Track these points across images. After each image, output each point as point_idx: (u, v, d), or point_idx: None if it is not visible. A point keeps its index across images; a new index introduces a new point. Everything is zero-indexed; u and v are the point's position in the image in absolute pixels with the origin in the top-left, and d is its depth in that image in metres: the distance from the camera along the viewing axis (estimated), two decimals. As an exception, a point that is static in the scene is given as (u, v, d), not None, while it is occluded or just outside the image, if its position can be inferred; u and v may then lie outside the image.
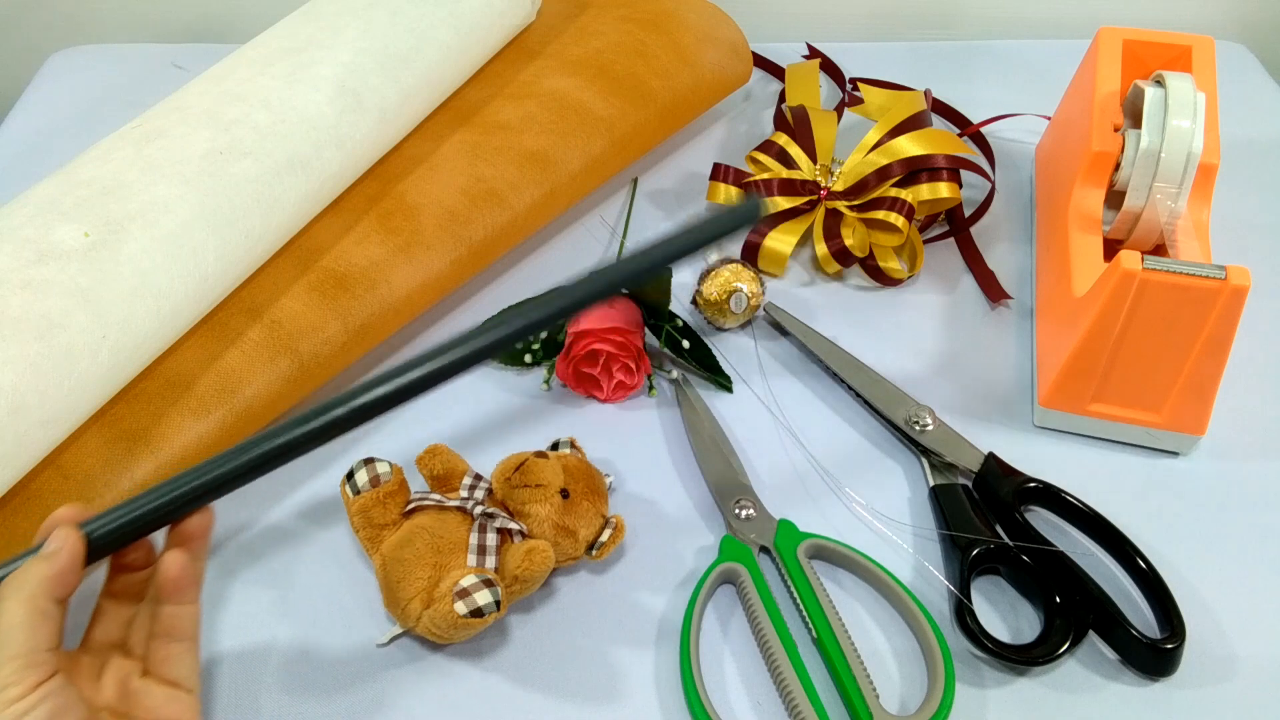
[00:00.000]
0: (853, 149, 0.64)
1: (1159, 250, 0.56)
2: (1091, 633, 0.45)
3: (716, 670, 0.44)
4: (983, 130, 0.71)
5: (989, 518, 0.49)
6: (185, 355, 0.49)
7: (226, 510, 0.51)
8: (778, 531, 0.48)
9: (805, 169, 0.64)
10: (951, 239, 0.65)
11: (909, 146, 0.61)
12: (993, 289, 0.61)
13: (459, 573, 0.43)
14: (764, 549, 0.48)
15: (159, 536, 0.38)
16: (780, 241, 0.61)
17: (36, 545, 0.35)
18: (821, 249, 0.60)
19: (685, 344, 0.56)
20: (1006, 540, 0.47)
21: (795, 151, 0.64)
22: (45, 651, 0.32)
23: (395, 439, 0.54)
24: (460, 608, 0.41)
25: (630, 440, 0.54)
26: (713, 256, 0.61)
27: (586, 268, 0.44)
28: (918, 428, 0.52)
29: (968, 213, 0.65)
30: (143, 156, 0.49)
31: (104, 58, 0.80)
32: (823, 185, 0.62)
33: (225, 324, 0.50)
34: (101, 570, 0.39)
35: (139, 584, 0.39)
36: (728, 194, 0.64)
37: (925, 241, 0.64)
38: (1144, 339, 0.48)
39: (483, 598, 0.42)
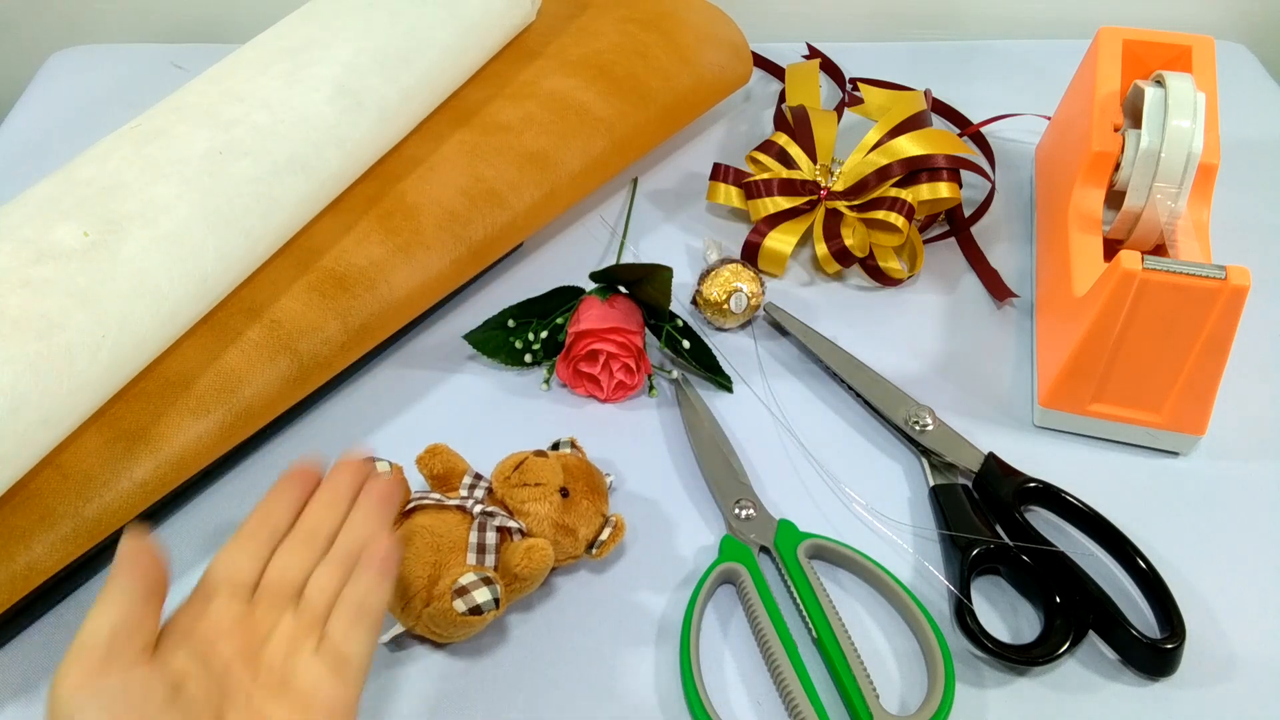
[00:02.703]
0: (853, 149, 0.64)
1: (1159, 250, 0.56)
2: (1091, 633, 0.45)
3: (716, 670, 0.44)
4: (983, 130, 0.71)
5: (989, 518, 0.48)
6: (185, 355, 0.49)
7: (228, 511, 0.51)
8: (778, 531, 0.48)
9: (805, 169, 0.64)
10: (952, 239, 0.65)
11: (909, 146, 0.61)
12: (997, 288, 0.60)
13: (458, 571, 0.43)
14: (764, 549, 0.48)
15: None
16: (780, 241, 0.61)
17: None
18: (821, 249, 0.60)
19: (685, 344, 0.56)
20: (1006, 540, 0.47)
21: (795, 151, 0.64)
22: (119, 648, 0.33)
23: (395, 439, 0.54)
24: (459, 606, 0.41)
25: (630, 440, 0.54)
26: (713, 256, 0.61)
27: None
28: (918, 428, 0.52)
29: (968, 213, 0.65)
30: (142, 156, 0.49)
31: (104, 58, 0.80)
32: (823, 185, 0.62)
33: (225, 324, 0.50)
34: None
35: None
36: (727, 194, 0.65)
37: (925, 241, 0.64)
38: (1144, 339, 0.48)
39: (481, 595, 0.42)
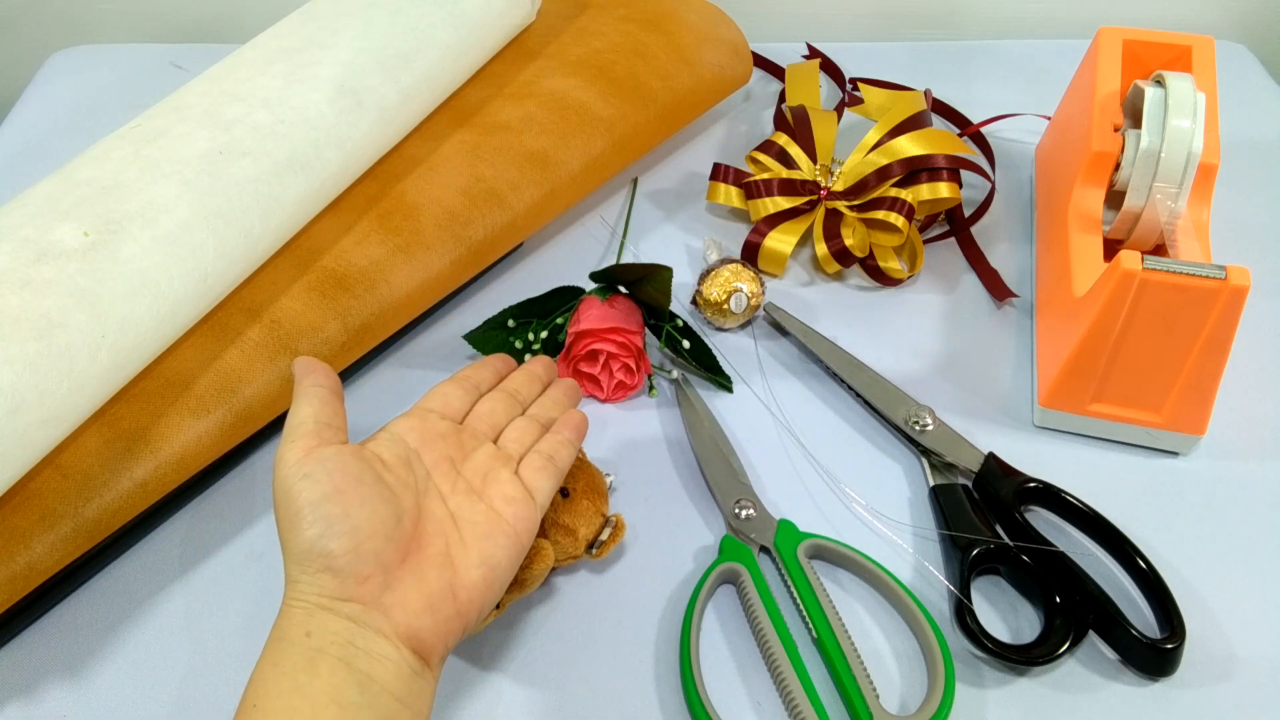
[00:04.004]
0: (853, 149, 0.64)
1: (1159, 250, 0.56)
2: (1091, 633, 0.45)
3: (716, 670, 0.44)
4: (983, 130, 0.71)
5: (989, 518, 0.48)
6: (185, 355, 0.49)
7: (227, 510, 0.51)
8: (778, 531, 0.48)
9: (805, 169, 0.64)
10: (952, 239, 0.65)
11: (909, 146, 0.61)
12: (998, 288, 0.60)
13: (458, 572, 0.43)
14: (764, 549, 0.48)
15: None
16: (780, 241, 0.61)
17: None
18: (821, 249, 0.60)
19: (685, 344, 0.56)
20: (1006, 540, 0.47)
21: (795, 151, 0.64)
22: (327, 430, 0.39)
23: (395, 439, 0.54)
24: (460, 607, 0.41)
25: (630, 440, 0.54)
26: (713, 256, 0.61)
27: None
28: (918, 428, 0.52)
29: (968, 213, 0.65)
30: (142, 156, 0.49)
31: (104, 58, 0.80)
32: (823, 185, 0.62)
33: (225, 324, 0.50)
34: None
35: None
36: (727, 194, 0.65)
37: (925, 241, 0.64)
38: (1144, 339, 0.48)
39: (482, 597, 0.42)
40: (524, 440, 0.44)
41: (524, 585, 0.44)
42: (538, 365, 0.49)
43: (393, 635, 0.36)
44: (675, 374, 0.56)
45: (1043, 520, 0.50)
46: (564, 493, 0.46)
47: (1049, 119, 0.69)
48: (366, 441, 0.40)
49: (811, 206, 0.62)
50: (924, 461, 0.52)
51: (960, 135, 0.71)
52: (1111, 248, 0.56)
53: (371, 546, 0.36)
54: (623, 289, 0.57)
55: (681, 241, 0.65)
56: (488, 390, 0.46)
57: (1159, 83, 0.55)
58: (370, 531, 0.36)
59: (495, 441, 0.44)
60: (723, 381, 0.56)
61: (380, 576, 0.36)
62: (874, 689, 0.42)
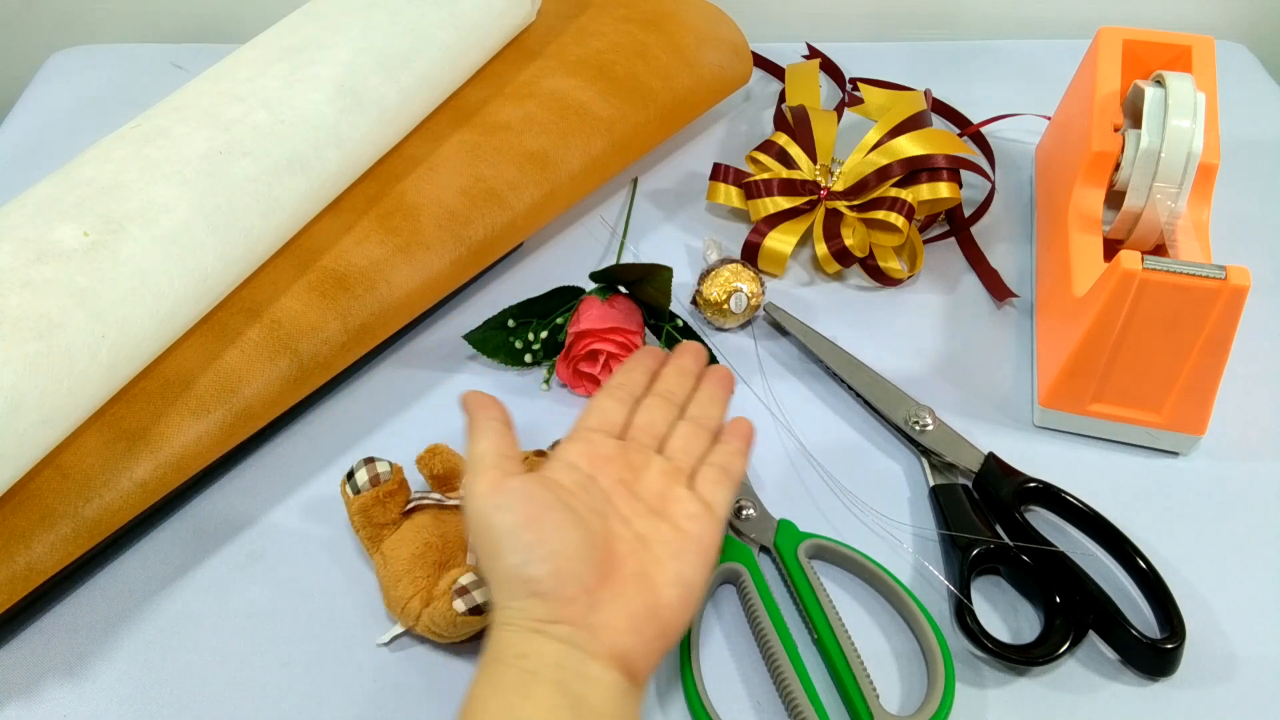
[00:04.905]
0: (853, 149, 0.64)
1: (1159, 250, 0.56)
2: (1091, 633, 0.45)
3: (716, 670, 0.44)
4: (983, 130, 0.71)
5: (989, 518, 0.48)
6: (185, 355, 0.49)
7: (227, 510, 0.51)
8: (778, 531, 0.48)
9: (805, 169, 0.63)
10: (952, 239, 0.65)
11: (909, 146, 0.61)
12: (998, 288, 0.60)
13: (458, 571, 0.43)
14: (764, 549, 0.48)
15: None
16: (780, 241, 0.61)
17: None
18: (821, 249, 0.60)
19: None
20: (1006, 540, 0.47)
21: (795, 151, 0.64)
22: (507, 461, 0.40)
23: (395, 438, 0.54)
24: (459, 605, 0.41)
25: (630, 440, 0.54)
26: (713, 256, 0.61)
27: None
28: (918, 428, 0.52)
29: (968, 213, 0.65)
30: (142, 156, 0.49)
31: (104, 58, 0.80)
32: (823, 185, 0.62)
33: (225, 324, 0.50)
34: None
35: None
36: (727, 194, 0.65)
37: (925, 241, 0.64)
38: (1144, 339, 0.48)
39: (482, 595, 0.42)
40: (690, 449, 0.44)
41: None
42: (687, 359, 0.48)
43: (603, 656, 0.36)
44: (675, 374, 0.56)
45: (1043, 520, 0.50)
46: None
47: (1049, 119, 0.69)
48: (543, 470, 0.41)
49: (811, 206, 0.62)
50: (924, 461, 0.52)
51: (960, 135, 0.71)
52: (1111, 248, 0.56)
53: (571, 569, 0.37)
54: (623, 289, 0.57)
55: (681, 241, 0.65)
56: (642, 392, 0.46)
57: (1159, 83, 0.55)
58: (568, 554, 0.37)
59: (661, 452, 0.44)
60: (723, 381, 0.56)
61: (585, 598, 0.37)
62: (874, 689, 0.42)
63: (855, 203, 0.61)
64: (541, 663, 0.35)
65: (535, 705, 0.34)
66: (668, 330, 0.56)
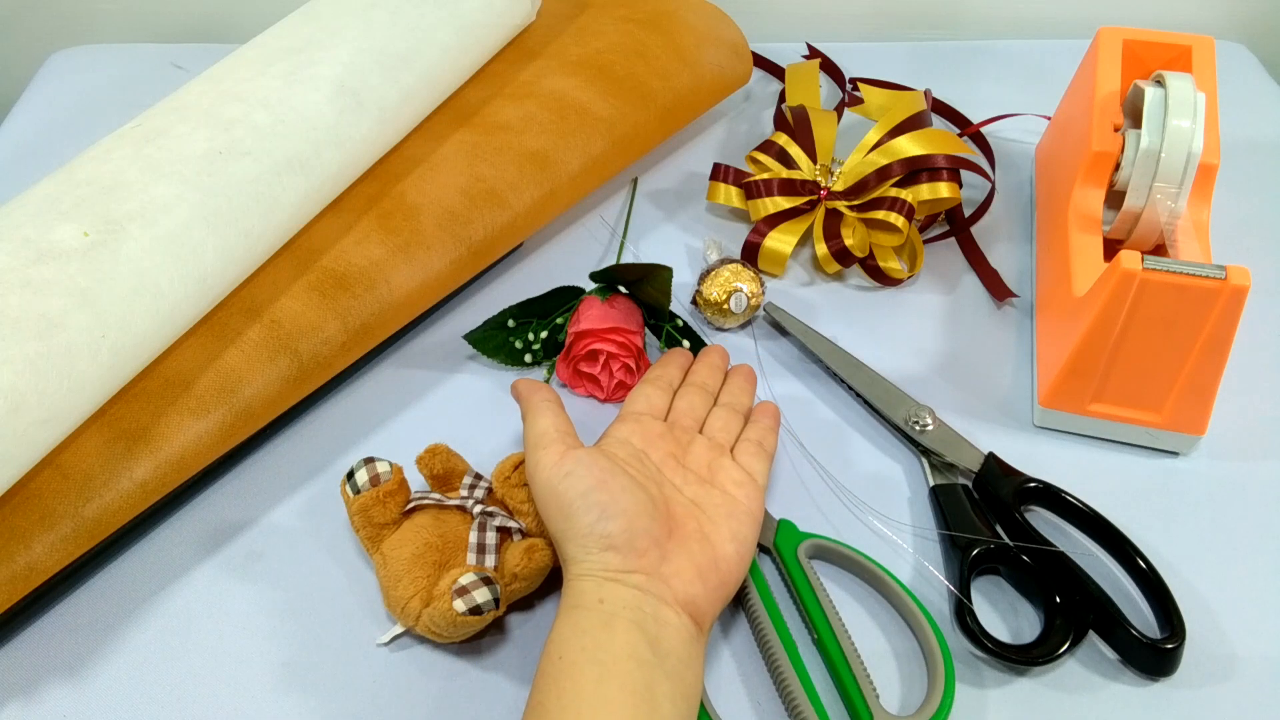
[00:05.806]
0: (853, 149, 0.64)
1: (1159, 250, 0.56)
2: (1091, 633, 0.45)
3: (716, 670, 0.44)
4: (983, 130, 0.71)
5: (989, 518, 0.48)
6: (185, 355, 0.49)
7: (227, 510, 0.51)
8: (778, 531, 0.48)
9: (805, 169, 0.63)
10: (952, 239, 0.65)
11: (909, 146, 0.61)
12: (998, 288, 0.60)
13: (458, 571, 0.43)
14: (764, 549, 0.48)
15: None
16: (780, 241, 0.61)
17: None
18: (821, 249, 0.60)
19: (685, 344, 0.56)
20: (1006, 540, 0.47)
21: (795, 151, 0.64)
22: (568, 436, 0.44)
23: (395, 439, 0.54)
24: (459, 605, 0.41)
25: (630, 440, 0.54)
26: (713, 256, 0.61)
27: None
28: (918, 428, 0.52)
29: (968, 213, 0.65)
30: (142, 156, 0.49)
31: (104, 58, 0.80)
32: (823, 185, 0.62)
33: (225, 324, 0.50)
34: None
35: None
36: (727, 194, 0.65)
37: (925, 241, 0.64)
38: (1144, 339, 0.48)
39: (481, 595, 0.42)
40: (729, 429, 0.49)
41: (524, 583, 0.44)
42: (715, 355, 0.53)
43: (673, 602, 0.40)
44: (675, 374, 0.56)
45: (1043, 520, 0.50)
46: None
47: (1049, 119, 0.69)
48: (599, 445, 0.45)
49: (811, 206, 0.62)
50: (924, 461, 0.52)
51: (960, 135, 0.71)
52: (1111, 248, 0.56)
53: (642, 524, 0.41)
54: (623, 289, 0.57)
55: (681, 241, 0.65)
56: (677, 384, 0.51)
57: (1159, 83, 0.55)
58: (637, 512, 0.41)
59: (701, 432, 0.48)
60: (723, 381, 0.56)
61: (655, 550, 0.41)
62: (874, 689, 0.42)
63: (855, 203, 0.61)
64: (620, 605, 0.39)
65: (620, 639, 0.38)
66: (668, 330, 0.56)
